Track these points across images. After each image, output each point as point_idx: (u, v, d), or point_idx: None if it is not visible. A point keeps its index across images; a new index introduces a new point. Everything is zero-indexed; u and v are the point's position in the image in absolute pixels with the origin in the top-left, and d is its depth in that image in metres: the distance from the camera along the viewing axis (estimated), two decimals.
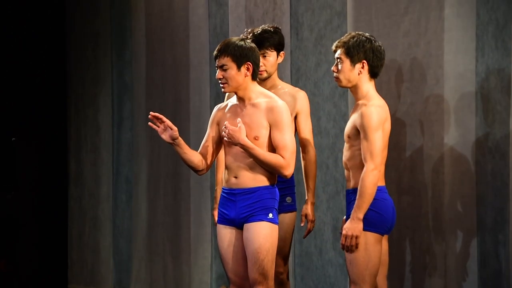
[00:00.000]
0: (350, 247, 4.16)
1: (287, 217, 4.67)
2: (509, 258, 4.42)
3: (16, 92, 7.86)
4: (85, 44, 7.65)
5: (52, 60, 7.93)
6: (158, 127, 4.28)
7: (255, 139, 4.21)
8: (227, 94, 4.73)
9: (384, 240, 4.31)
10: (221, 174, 4.70)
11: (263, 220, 4.23)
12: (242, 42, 4.25)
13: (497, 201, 4.48)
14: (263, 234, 4.21)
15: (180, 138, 4.28)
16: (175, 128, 4.26)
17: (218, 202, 4.70)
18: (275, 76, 4.69)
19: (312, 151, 4.66)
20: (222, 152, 4.62)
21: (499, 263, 4.48)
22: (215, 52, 4.26)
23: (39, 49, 7.88)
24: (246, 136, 4.20)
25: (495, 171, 4.48)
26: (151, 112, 4.28)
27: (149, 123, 4.32)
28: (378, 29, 5.00)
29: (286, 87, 4.69)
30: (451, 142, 4.67)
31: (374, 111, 4.18)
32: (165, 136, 4.29)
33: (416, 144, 4.84)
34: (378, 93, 4.38)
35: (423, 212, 4.81)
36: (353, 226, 4.16)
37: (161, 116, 4.26)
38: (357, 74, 4.26)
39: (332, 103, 5.41)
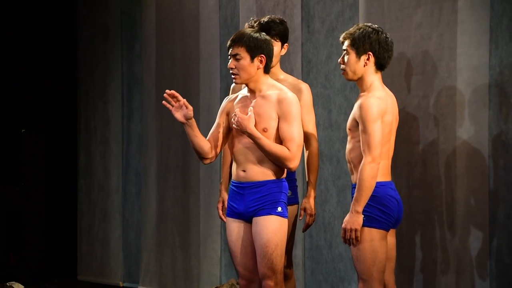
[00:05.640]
0: (351, 241, 4.12)
1: (288, 210, 4.62)
2: None
3: (26, 84, 7.86)
4: (95, 37, 7.63)
5: (62, 52, 7.92)
6: (172, 106, 4.23)
7: (264, 130, 4.18)
8: (231, 87, 4.68)
9: (391, 235, 4.27)
10: (227, 169, 4.67)
11: (271, 214, 4.20)
12: (258, 34, 4.22)
13: (509, 195, 4.43)
14: (272, 228, 4.18)
15: (193, 119, 4.23)
16: (191, 108, 4.22)
17: (222, 196, 4.67)
18: (277, 67, 4.61)
19: (315, 144, 4.56)
20: (227, 148, 4.58)
21: (511, 258, 4.43)
22: (229, 42, 4.23)
23: (49, 42, 7.87)
24: (255, 127, 4.16)
25: (508, 165, 4.43)
26: (167, 90, 4.22)
27: (163, 102, 4.26)
28: (390, 22, 4.95)
29: (288, 79, 4.61)
30: (463, 136, 4.62)
31: (372, 103, 4.12)
32: (179, 115, 4.23)
33: (428, 137, 4.79)
34: (390, 87, 4.33)
35: (434, 207, 4.76)
36: (352, 219, 4.12)
37: (177, 94, 4.22)
38: (363, 66, 4.20)
39: (343, 96, 5.37)
